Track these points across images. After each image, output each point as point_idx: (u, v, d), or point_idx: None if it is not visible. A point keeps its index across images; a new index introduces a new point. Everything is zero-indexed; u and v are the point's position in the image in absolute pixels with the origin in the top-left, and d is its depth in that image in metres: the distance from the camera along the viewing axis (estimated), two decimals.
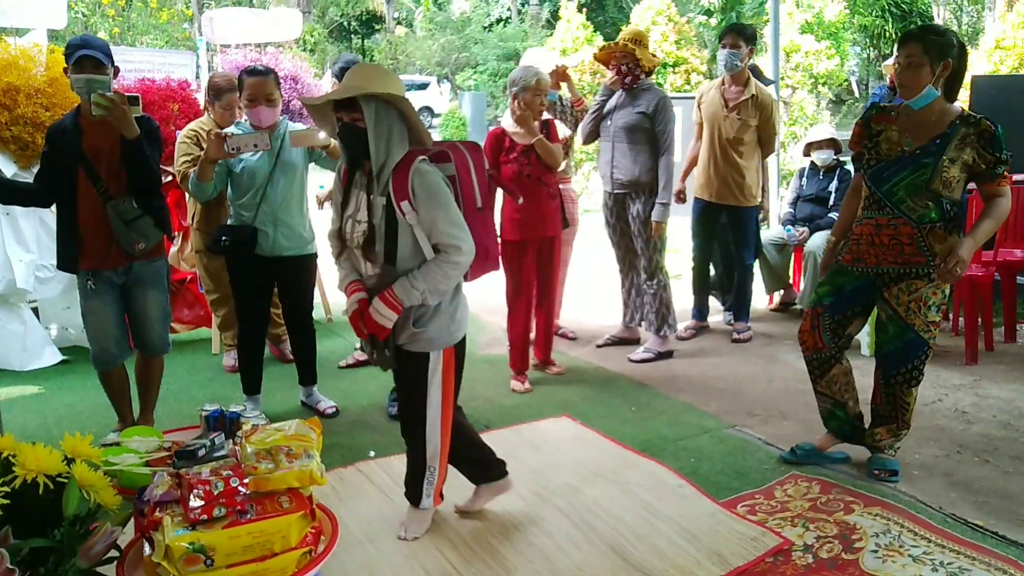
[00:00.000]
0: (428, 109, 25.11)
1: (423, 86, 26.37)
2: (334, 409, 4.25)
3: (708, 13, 20.42)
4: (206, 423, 2.54)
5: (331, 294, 6.10)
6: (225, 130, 3.87)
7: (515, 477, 3.38)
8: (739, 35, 4.99)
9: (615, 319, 5.40)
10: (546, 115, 4.59)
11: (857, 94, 25.45)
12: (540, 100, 4.31)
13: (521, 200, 4.32)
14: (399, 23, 33.85)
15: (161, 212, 3.61)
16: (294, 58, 5.46)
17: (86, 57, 3.35)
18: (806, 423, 3.93)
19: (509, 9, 31.78)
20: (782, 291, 5.91)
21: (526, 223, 4.43)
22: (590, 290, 6.48)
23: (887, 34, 20.83)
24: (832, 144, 5.66)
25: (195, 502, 1.84)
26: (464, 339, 2.90)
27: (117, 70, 3.48)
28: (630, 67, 4.75)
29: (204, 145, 3.97)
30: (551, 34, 16.37)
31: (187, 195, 4.70)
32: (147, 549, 1.93)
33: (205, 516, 1.84)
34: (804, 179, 5.88)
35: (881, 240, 3.21)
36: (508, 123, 4.48)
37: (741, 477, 3.44)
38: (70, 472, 1.99)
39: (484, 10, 32.64)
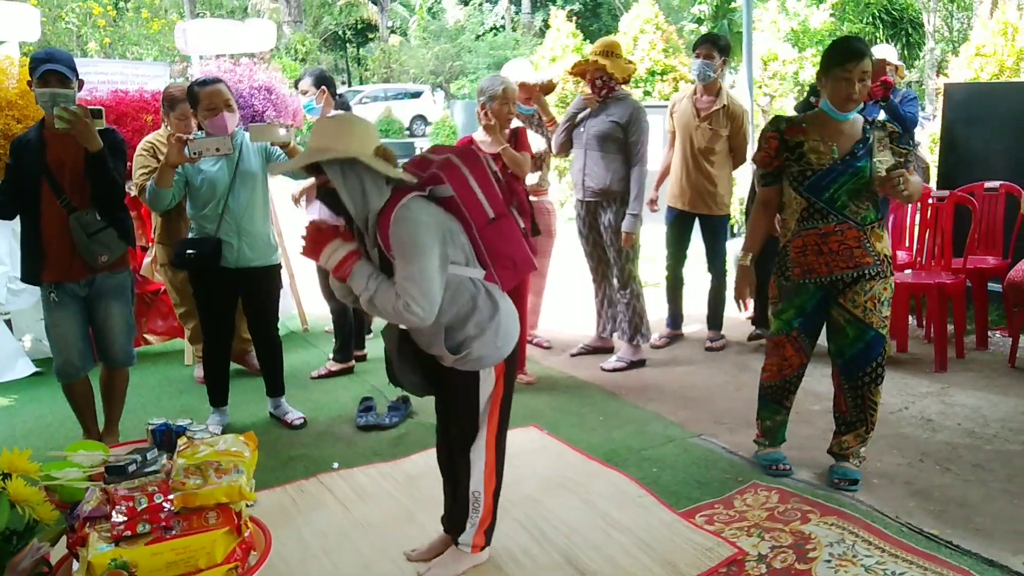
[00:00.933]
0: (422, 118, 25.14)
1: (416, 95, 26.40)
2: (302, 420, 4.24)
3: (699, 21, 20.51)
4: (152, 437, 2.54)
5: (307, 304, 6.10)
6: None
7: None
8: (713, 46, 5.00)
9: (591, 328, 5.40)
10: (517, 123, 4.59)
11: None
12: (507, 109, 4.32)
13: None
14: (393, 32, 33.93)
15: (125, 224, 3.61)
16: (268, 69, 5.46)
17: (51, 72, 3.37)
18: None
19: (503, 18, 31.88)
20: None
21: None
22: (567, 299, 6.48)
23: (878, 40, 20.83)
24: None
25: (118, 518, 1.84)
26: (515, 353, 2.71)
27: (82, 83, 3.51)
28: (604, 80, 4.76)
29: (161, 157, 3.97)
30: (542, 42, 16.41)
31: None
32: (75, 565, 1.92)
33: (129, 532, 1.84)
34: None
35: (829, 247, 3.23)
36: (479, 132, 4.49)
37: (702, 487, 3.44)
38: (3, 487, 1.99)
39: (478, 19, 32.72)
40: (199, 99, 3.79)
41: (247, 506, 2.17)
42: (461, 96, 25.72)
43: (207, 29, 5.55)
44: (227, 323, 4.10)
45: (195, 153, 3.68)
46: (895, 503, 3.22)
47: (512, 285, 2.69)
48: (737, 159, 5.22)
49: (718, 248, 5.31)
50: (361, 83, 31.31)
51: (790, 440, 3.69)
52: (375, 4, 32.94)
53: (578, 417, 4.24)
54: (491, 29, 31.39)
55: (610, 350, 5.22)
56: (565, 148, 5.04)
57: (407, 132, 23.53)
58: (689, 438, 3.94)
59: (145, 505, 1.85)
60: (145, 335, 5.41)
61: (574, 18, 15.00)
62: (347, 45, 36.44)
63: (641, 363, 4.99)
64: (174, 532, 1.87)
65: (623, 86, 4.85)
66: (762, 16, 11.06)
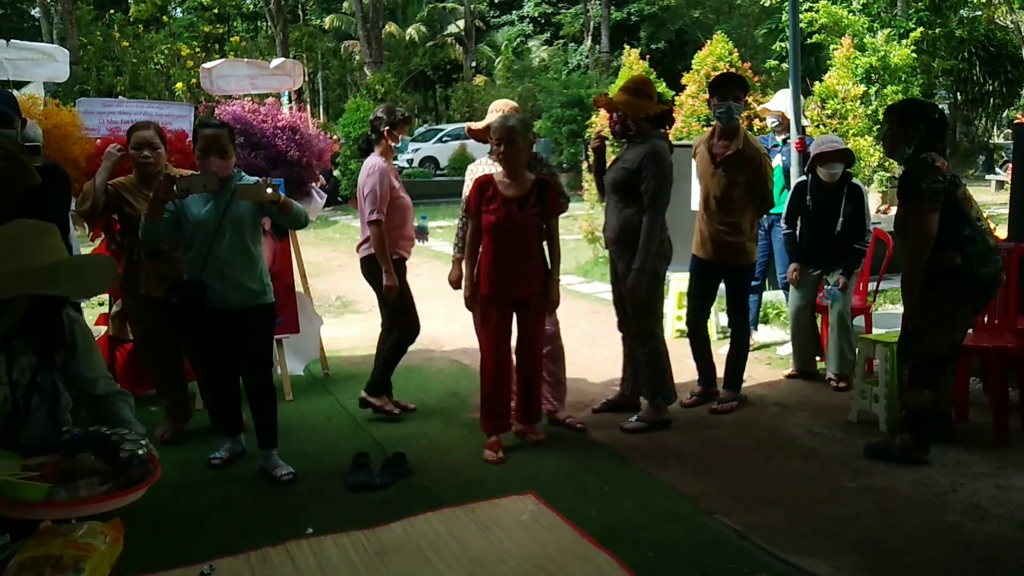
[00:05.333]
0: None
1: None
2: (290, 475, 3.99)
3: (782, 58, 19.95)
4: (65, 448, 2.37)
5: (327, 344, 5.90)
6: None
7: (451, 567, 3.09)
8: (739, 86, 4.66)
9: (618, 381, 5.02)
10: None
11: None
12: (503, 148, 4.06)
13: None
14: (479, 72, 34.31)
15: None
16: (293, 108, 5.36)
17: None
18: (793, 512, 3.52)
19: (587, 56, 31.83)
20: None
21: (498, 278, 4.17)
22: (595, 348, 6.09)
23: (975, 78, 19.85)
24: (844, 156, 5.03)
25: None
26: None
27: (25, 122, 3.52)
28: (620, 116, 4.46)
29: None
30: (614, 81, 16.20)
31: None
32: None
33: None
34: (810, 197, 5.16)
35: None
36: (497, 170, 4.28)
37: None
38: None
39: (562, 58, 32.79)
40: (196, 140, 3.84)
41: None
42: (542, 134, 25.68)
43: (231, 69, 5.50)
44: (226, 358, 4.00)
45: (182, 190, 3.62)
46: None
47: None
48: (761, 207, 4.82)
49: (739, 302, 4.90)
50: (448, 122, 31.69)
51: (813, 526, 3.28)
52: (461, 45, 33.42)
53: (581, 484, 3.88)
54: (574, 68, 31.34)
55: (636, 407, 4.82)
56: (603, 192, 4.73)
57: None
58: (699, 516, 3.53)
59: None
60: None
61: (648, 56, 14.73)
62: (435, 86, 37.10)
63: (664, 424, 4.58)
64: None
65: (653, 127, 4.54)
66: (835, 53, 10.57)
